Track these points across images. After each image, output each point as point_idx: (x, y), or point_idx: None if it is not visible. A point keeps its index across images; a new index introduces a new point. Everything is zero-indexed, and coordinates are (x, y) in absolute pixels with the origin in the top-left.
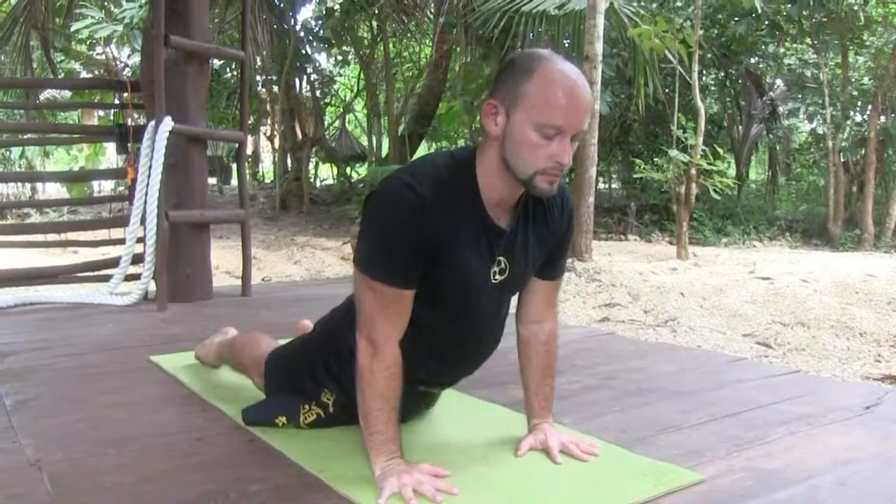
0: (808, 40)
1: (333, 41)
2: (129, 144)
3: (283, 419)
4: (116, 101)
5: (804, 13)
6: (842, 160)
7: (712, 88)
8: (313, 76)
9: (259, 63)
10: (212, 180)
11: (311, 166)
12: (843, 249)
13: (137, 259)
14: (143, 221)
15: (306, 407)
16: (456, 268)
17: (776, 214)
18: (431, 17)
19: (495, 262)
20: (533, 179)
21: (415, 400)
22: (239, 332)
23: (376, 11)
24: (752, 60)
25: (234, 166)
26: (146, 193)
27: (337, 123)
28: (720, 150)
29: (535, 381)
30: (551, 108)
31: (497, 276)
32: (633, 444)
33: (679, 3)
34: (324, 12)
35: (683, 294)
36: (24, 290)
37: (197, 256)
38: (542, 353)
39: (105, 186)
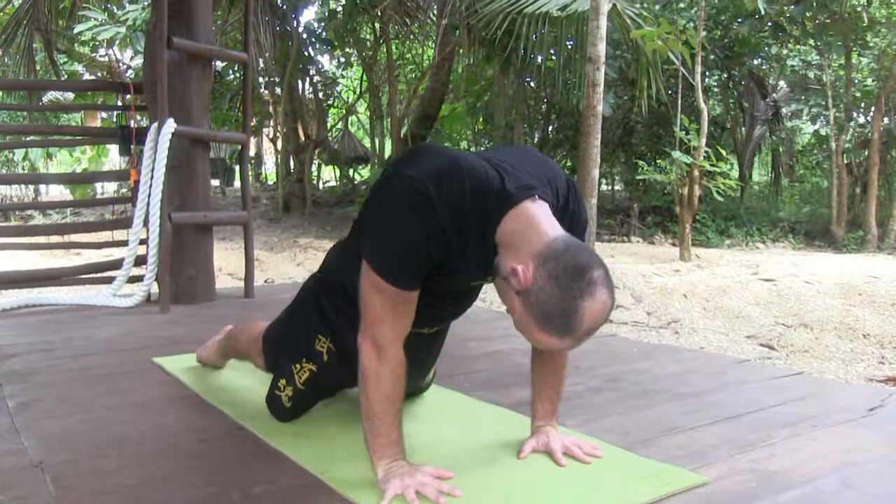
0: (812, 42)
1: (336, 43)
2: (131, 146)
3: (283, 382)
4: (119, 103)
5: (807, 14)
6: (845, 162)
7: (715, 90)
8: (316, 78)
9: (262, 65)
10: (214, 182)
11: (314, 168)
12: (847, 251)
13: (140, 261)
14: (145, 223)
15: (297, 366)
16: (450, 276)
17: (779, 216)
18: (434, 18)
19: (485, 279)
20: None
21: (414, 345)
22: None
23: (379, 13)
24: (755, 62)
25: (237, 168)
26: (149, 195)
27: (340, 125)
28: (723, 152)
29: (539, 384)
30: (544, 344)
31: (475, 283)
32: (636, 445)
33: (682, 5)
34: (326, 14)
35: (686, 296)
36: (27, 291)
37: (200, 258)
38: (546, 356)
39: (108, 188)
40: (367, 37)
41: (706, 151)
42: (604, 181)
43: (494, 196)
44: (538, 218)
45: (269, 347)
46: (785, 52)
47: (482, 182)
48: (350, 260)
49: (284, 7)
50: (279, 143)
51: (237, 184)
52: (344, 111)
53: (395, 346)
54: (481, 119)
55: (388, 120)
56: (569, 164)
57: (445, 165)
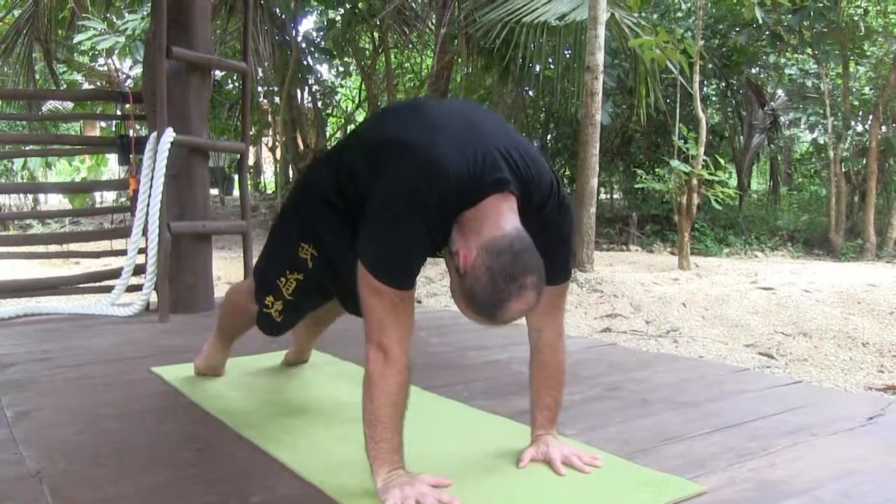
0: (809, 50)
1: (335, 52)
2: (130, 155)
3: (271, 298)
4: (118, 113)
5: (805, 24)
6: (843, 170)
7: (713, 99)
8: (315, 87)
9: (261, 74)
10: (213, 191)
11: None
12: (845, 259)
13: (139, 270)
14: (144, 232)
15: (283, 279)
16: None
17: (778, 224)
18: (433, 28)
19: None
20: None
21: None
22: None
23: (378, 23)
24: (753, 71)
25: (236, 177)
26: (148, 204)
27: (339, 134)
28: (721, 161)
29: (537, 392)
30: (466, 316)
31: None
32: (635, 454)
33: (680, 14)
34: (325, 24)
35: (685, 304)
36: (25, 300)
37: (199, 267)
38: (542, 362)
39: (107, 197)
40: (366, 46)
41: (704, 160)
42: (602, 190)
43: (471, 189)
44: (498, 212)
45: (258, 278)
46: (783, 61)
47: (464, 178)
48: (329, 165)
49: (283, 17)
50: (278, 153)
51: (236, 193)
52: (343, 120)
53: (401, 348)
54: None
55: None
56: (567, 172)
57: (435, 160)
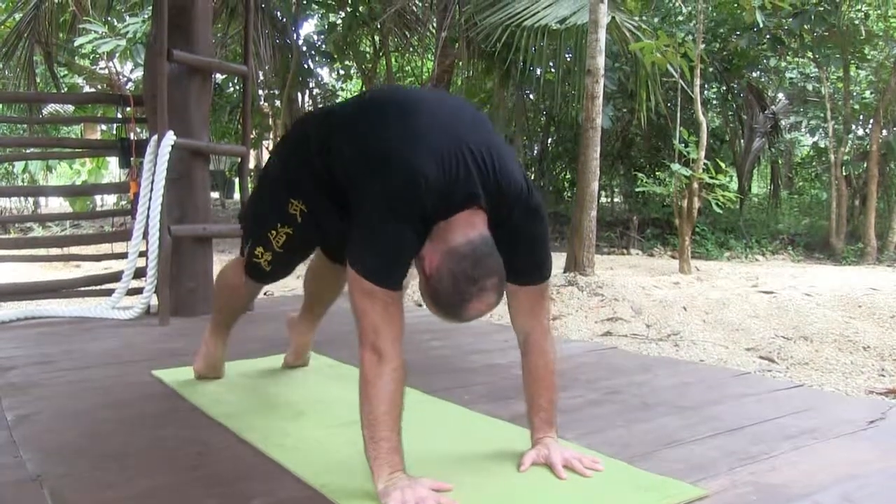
0: (810, 54)
1: (336, 55)
2: (131, 159)
3: (260, 249)
4: (119, 116)
5: (805, 27)
6: (844, 174)
7: (714, 102)
8: (315, 90)
9: (261, 77)
10: (214, 194)
11: None
12: (846, 263)
13: (140, 273)
14: (145, 235)
15: (273, 232)
16: None
17: (778, 228)
18: (433, 31)
19: None
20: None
21: None
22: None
23: (378, 26)
24: (754, 74)
25: (237, 180)
26: (148, 207)
27: None
28: (722, 164)
29: (530, 395)
30: (431, 312)
31: None
32: (636, 458)
33: (680, 18)
34: (326, 27)
35: (686, 308)
36: (26, 304)
37: (199, 270)
38: (531, 364)
39: (107, 200)
40: (367, 49)
41: (705, 164)
42: (603, 193)
43: (446, 196)
44: (466, 224)
45: (247, 228)
46: (783, 64)
47: (441, 188)
48: (320, 131)
49: (284, 20)
50: None
51: (237, 196)
52: None
53: (395, 348)
54: None
55: None
56: (568, 176)
57: (416, 170)
